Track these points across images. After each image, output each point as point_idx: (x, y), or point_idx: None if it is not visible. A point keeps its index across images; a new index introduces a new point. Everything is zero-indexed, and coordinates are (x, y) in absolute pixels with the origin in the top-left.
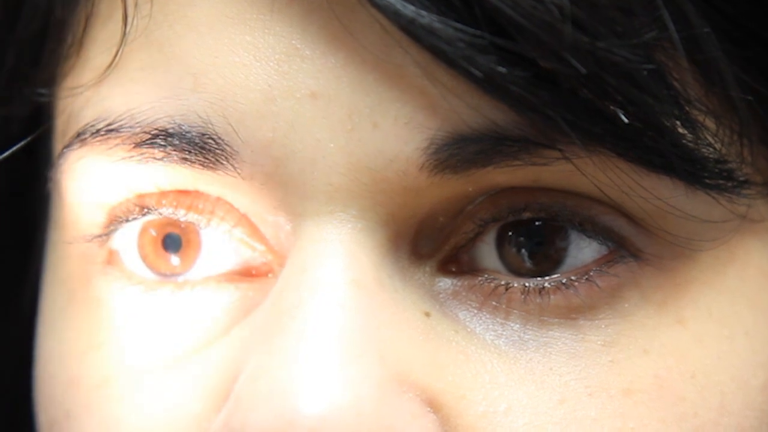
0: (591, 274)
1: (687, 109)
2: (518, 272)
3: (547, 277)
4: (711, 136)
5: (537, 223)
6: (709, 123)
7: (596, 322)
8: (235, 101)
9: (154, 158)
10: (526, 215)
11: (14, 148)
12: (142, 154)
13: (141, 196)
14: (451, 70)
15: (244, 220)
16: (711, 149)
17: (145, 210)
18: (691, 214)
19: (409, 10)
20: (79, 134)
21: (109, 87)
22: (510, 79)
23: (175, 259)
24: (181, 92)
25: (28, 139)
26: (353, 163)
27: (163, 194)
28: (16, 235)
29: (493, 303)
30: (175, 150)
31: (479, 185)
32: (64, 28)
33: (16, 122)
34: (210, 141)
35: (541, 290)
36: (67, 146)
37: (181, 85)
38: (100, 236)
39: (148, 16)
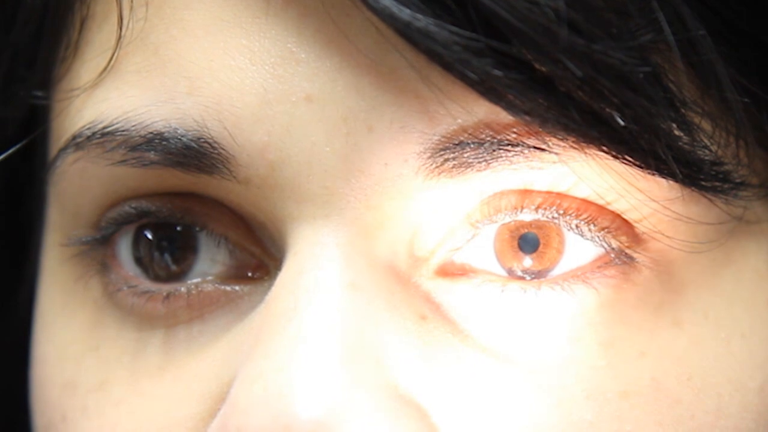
0: (587, 276)
1: (683, 111)
2: (515, 274)
3: (543, 279)
4: (707, 138)
5: (533, 226)
6: (705, 125)
7: (593, 324)
8: (231, 105)
9: (150, 161)
10: (523, 217)
11: (10, 151)
12: (137, 157)
13: (137, 199)
14: (446, 73)
15: (240, 223)
16: (707, 151)
17: (141, 213)
18: (688, 216)
19: (405, 13)
20: (74, 137)
21: (105, 90)
22: (506, 82)
23: (171, 262)
24: (177, 96)
25: (25, 141)
26: (349, 166)
27: (159, 197)
28: (12, 238)
29: (490, 305)
30: (170, 154)
31: (475, 188)
32: (60, 31)
33: (12, 124)
34: (205, 145)
35: (538, 292)
36: (63, 149)
37: (177, 88)
38: (96, 239)
39: (143, 19)
